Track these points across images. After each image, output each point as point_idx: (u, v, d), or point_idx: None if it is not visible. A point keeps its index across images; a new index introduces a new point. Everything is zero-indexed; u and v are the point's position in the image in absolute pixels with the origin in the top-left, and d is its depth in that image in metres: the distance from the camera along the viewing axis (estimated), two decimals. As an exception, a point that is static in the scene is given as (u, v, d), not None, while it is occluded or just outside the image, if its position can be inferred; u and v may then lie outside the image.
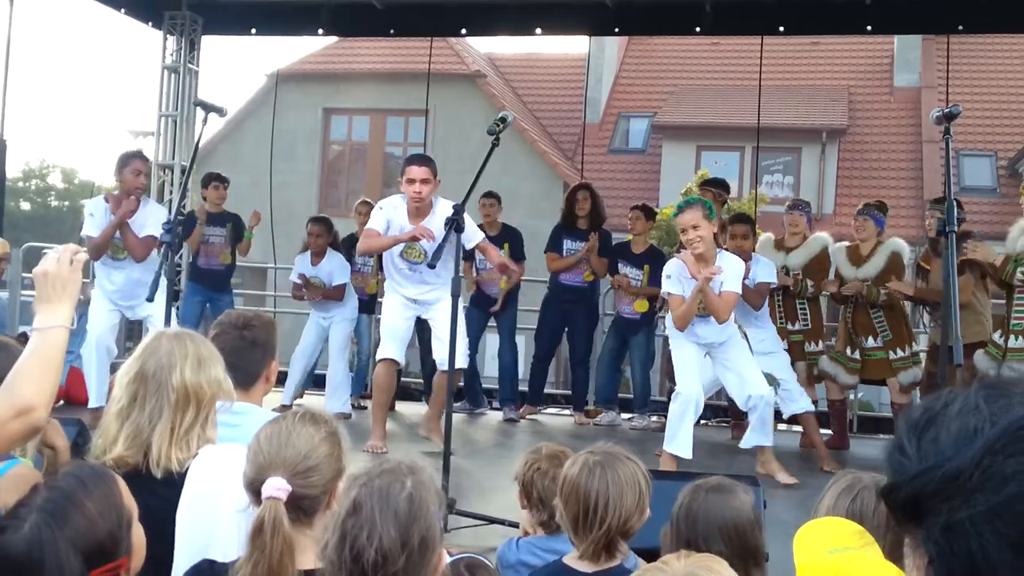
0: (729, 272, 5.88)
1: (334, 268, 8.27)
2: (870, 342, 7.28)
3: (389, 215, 6.41)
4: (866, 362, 7.32)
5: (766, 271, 7.06)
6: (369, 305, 8.81)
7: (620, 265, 8.36)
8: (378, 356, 6.57)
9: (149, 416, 2.57)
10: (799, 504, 5.46)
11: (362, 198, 9.39)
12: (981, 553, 0.83)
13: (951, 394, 0.91)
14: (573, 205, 8.54)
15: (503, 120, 5.03)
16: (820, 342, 7.67)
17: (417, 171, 6.21)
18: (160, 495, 2.47)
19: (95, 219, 6.97)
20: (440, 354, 6.48)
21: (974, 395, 0.90)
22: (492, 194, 8.61)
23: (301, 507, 2.14)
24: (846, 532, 1.96)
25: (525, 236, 8.74)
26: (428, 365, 8.88)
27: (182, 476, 2.52)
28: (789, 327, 7.64)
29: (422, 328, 8.86)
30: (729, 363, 6.19)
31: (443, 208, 6.20)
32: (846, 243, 7.63)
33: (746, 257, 6.80)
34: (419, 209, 6.28)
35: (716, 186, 8.35)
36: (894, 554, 2.07)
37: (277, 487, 2.08)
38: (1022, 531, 0.82)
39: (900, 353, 7.21)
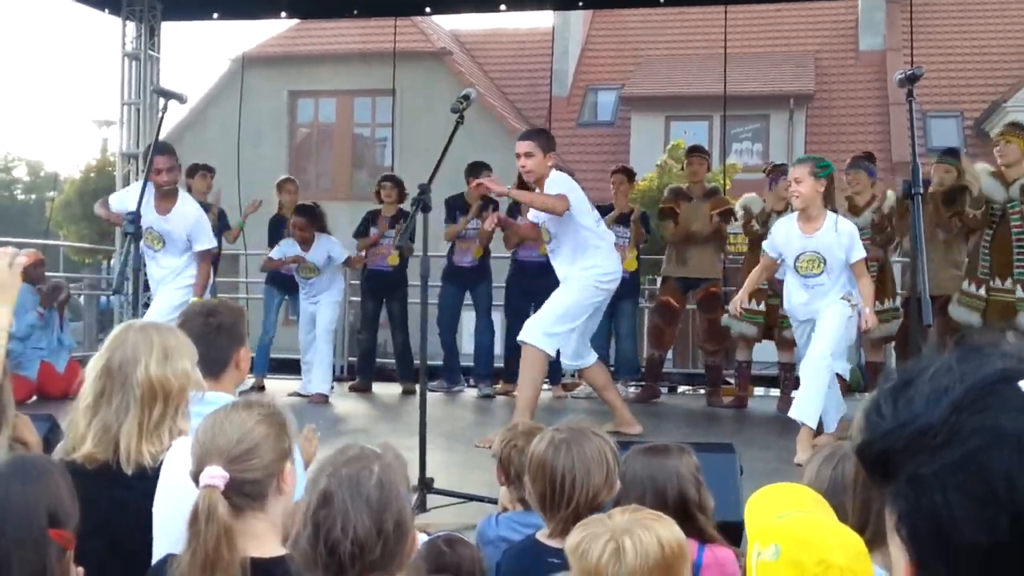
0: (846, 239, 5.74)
1: (331, 248, 8.30)
2: None
3: None
4: None
5: None
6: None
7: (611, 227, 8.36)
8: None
9: (116, 412, 2.55)
10: (777, 471, 5.50)
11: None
12: (944, 507, 0.84)
13: (929, 358, 0.93)
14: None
15: (466, 97, 5.00)
16: None
17: (519, 145, 6.03)
18: (133, 490, 2.45)
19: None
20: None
21: (949, 357, 0.92)
22: (481, 164, 8.50)
23: (245, 492, 2.12)
24: (797, 497, 1.97)
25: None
26: (399, 344, 8.87)
27: (155, 470, 2.50)
28: None
29: (391, 308, 8.87)
30: (818, 322, 5.86)
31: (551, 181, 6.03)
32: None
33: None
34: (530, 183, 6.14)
35: (700, 152, 8.51)
36: (863, 516, 2.09)
37: (211, 475, 2.07)
38: (984, 485, 0.83)
39: (880, 306, 7.19)
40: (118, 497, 2.47)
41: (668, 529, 2.02)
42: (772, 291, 7.29)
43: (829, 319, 5.75)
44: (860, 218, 7.23)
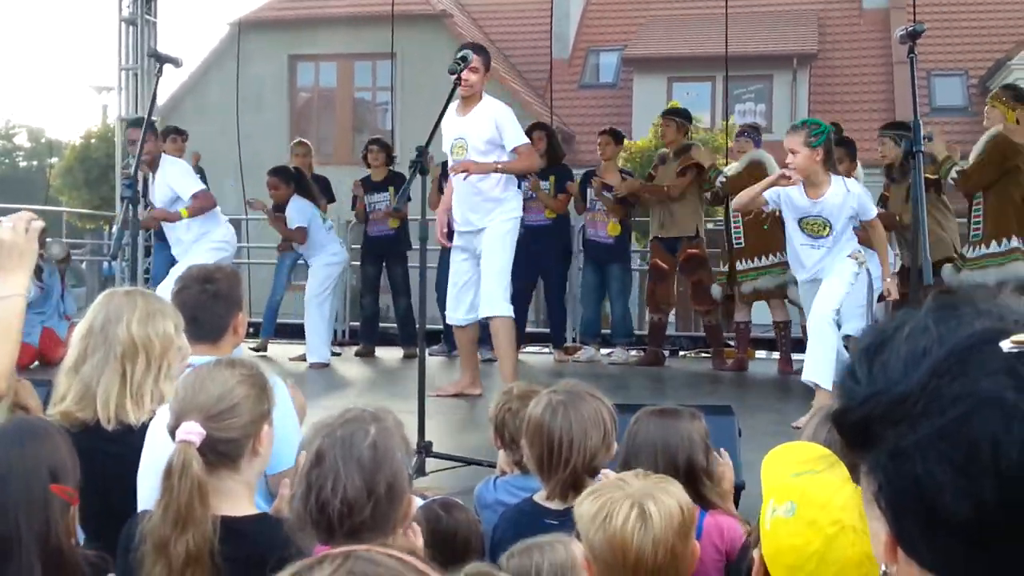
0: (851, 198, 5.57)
1: (294, 211, 8.15)
2: None
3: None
4: None
5: None
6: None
7: (590, 192, 8.32)
8: (449, 321, 6.47)
9: (96, 369, 2.55)
10: (779, 433, 5.50)
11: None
12: (927, 477, 0.82)
13: (903, 316, 0.90)
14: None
15: (463, 59, 4.96)
16: None
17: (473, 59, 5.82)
18: (115, 446, 2.46)
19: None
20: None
21: (924, 316, 0.88)
22: None
23: (220, 451, 2.13)
24: (812, 455, 1.96)
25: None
26: (400, 308, 8.85)
27: (139, 430, 2.50)
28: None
29: (392, 273, 8.84)
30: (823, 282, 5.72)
31: (491, 106, 6.00)
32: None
33: None
34: (467, 99, 5.95)
35: (679, 116, 8.34)
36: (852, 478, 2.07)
37: (188, 431, 2.08)
38: (966, 454, 0.80)
39: None
40: (98, 453, 2.46)
41: (681, 492, 2.04)
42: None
43: (834, 277, 5.61)
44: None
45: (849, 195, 5.55)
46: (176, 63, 5.52)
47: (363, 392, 6.64)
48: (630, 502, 1.95)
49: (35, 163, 37.81)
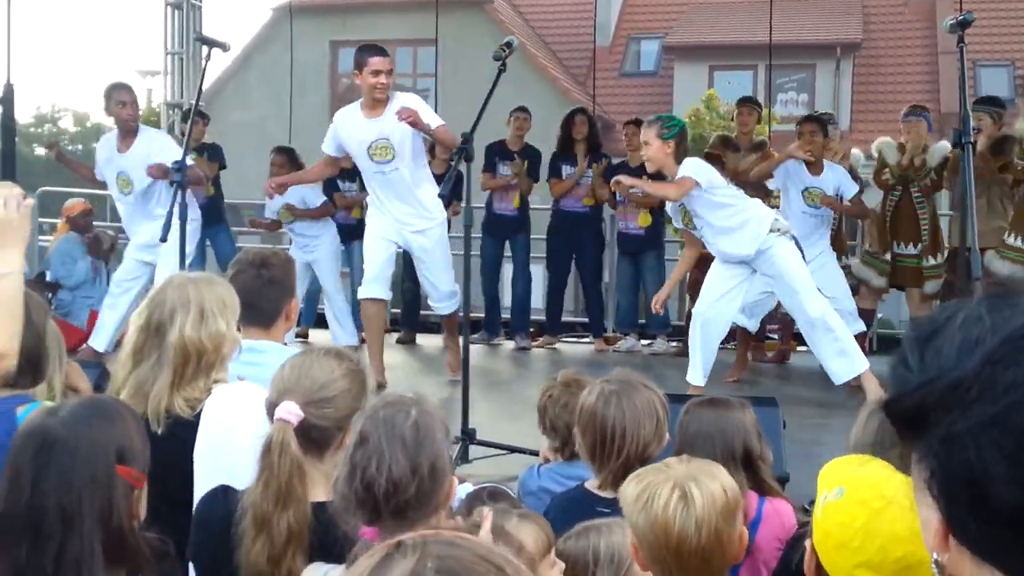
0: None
1: (305, 193, 8.03)
2: (908, 248, 7.14)
3: (340, 133, 6.24)
4: (897, 268, 7.19)
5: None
6: (358, 231, 8.70)
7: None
8: (360, 295, 6.40)
9: (151, 370, 2.60)
10: (820, 425, 5.49)
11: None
12: (978, 464, 0.83)
13: (956, 306, 0.91)
14: (570, 130, 8.46)
15: (508, 45, 4.96)
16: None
17: (380, 62, 6.05)
18: (162, 444, 2.50)
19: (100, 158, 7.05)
20: (432, 297, 6.58)
21: (977, 305, 0.89)
22: (524, 108, 8.56)
23: (312, 437, 2.17)
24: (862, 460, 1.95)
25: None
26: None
27: (191, 421, 2.54)
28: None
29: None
30: (773, 280, 5.76)
31: (402, 99, 6.13)
32: (891, 139, 7.34)
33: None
34: (377, 101, 6.08)
35: (751, 103, 8.41)
36: (903, 467, 2.06)
37: (288, 410, 2.13)
38: (1018, 441, 0.81)
39: (931, 261, 7.09)
40: (152, 441, 2.50)
41: (726, 476, 2.04)
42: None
43: (787, 272, 5.62)
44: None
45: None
46: (224, 47, 5.55)
47: (406, 379, 6.67)
48: (671, 484, 1.97)
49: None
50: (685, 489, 1.95)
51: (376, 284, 6.26)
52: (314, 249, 8.17)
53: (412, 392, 2.04)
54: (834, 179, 7.06)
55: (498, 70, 4.86)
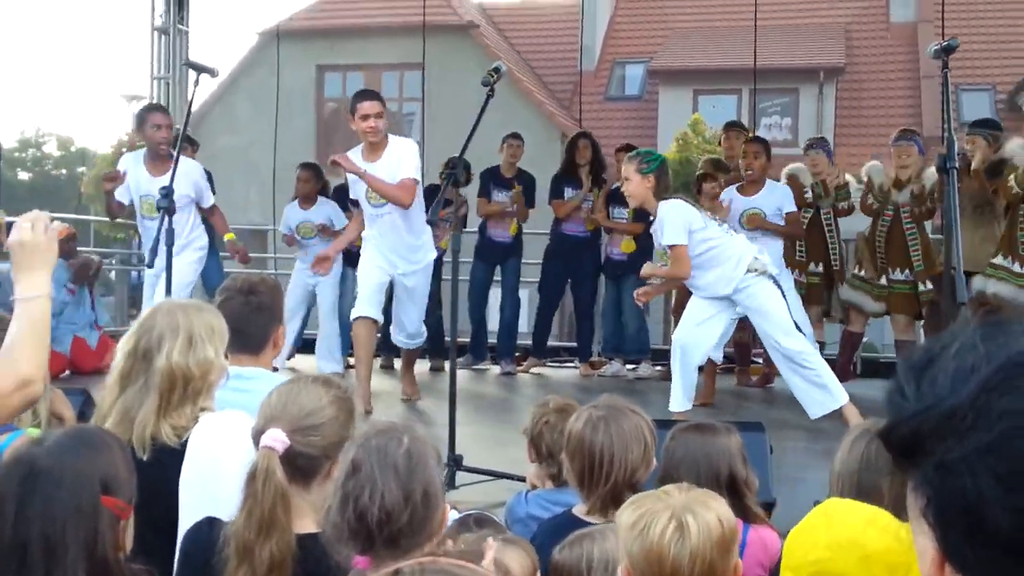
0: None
1: (329, 213, 8.18)
2: (900, 275, 7.17)
3: (348, 175, 6.38)
4: (890, 294, 7.22)
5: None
6: (355, 259, 8.69)
7: (611, 208, 8.35)
8: (353, 314, 6.46)
9: (137, 395, 2.57)
10: (807, 450, 5.49)
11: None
12: (974, 491, 0.83)
13: (951, 335, 0.91)
14: (574, 154, 8.52)
15: (496, 70, 4.97)
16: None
17: (369, 106, 6.14)
18: (152, 466, 2.48)
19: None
20: (402, 335, 6.74)
21: (972, 333, 0.90)
22: (518, 136, 8.62)
23: (298, 466, 2.15)
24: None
25: (524, 187, 8.71)
26: (431, 320, 8.84)
27: (179, 448, 2.52)
28: (812, 267, 7.59)
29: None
30: (751, 315, 5.75)
31: (398, 144, 6.22)
32: (879, 163, 7.38)
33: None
34: (374, 145, 6.19)
35: (738, 127, 8.55)
36: (898, 504, 2.06)
37: (274, 437, 2.11)
38: (1013, 468, 0.82)
39: (927, 286, 7.10)
40: (137, 469, 2.48)
41: (724, 508, 2.02)
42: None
43: (763, 311, 5.64)
44: (901, 194, 7.15)
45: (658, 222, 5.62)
46: (212, 72, 5.55)
47: (392, 405, 6.65)
48: (669, 514, 1.96)
49: (64, 171, 38.15)
50: (681, 519, 1.94)
51: (369, 305, 6.35)
52: (318, 275, 8.12)
53: (402, 421, 2.04)
54: (773, 199, 7.16)
55: (487, 95, 4.87)
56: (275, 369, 3.42)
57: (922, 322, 7.39)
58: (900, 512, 1.92)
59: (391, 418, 2.05)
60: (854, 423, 5.21)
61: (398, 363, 8.75)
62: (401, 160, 6.15)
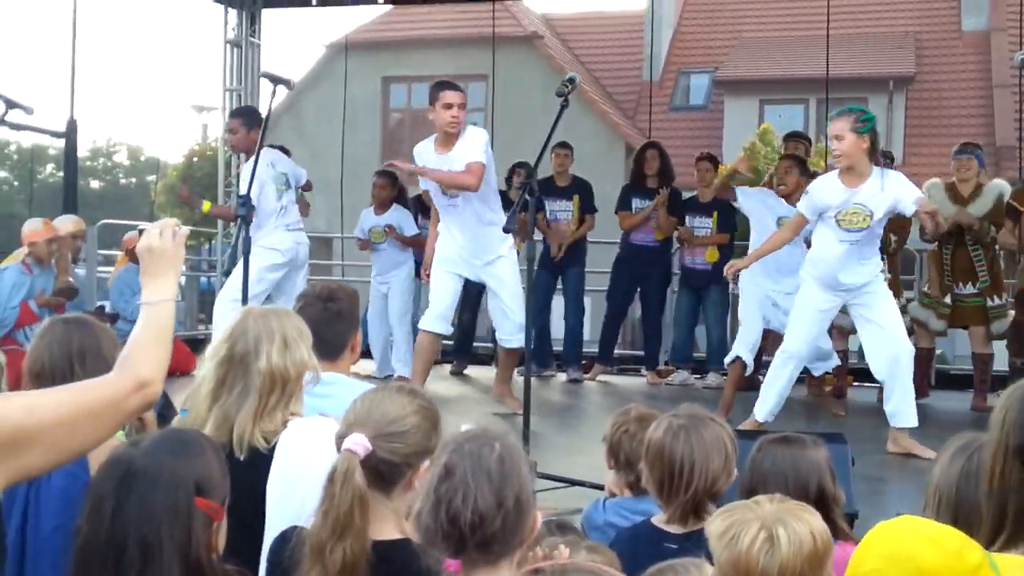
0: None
1: (401, 219, 8.34)
2: (968, 288, 7.13)
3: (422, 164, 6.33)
4: (959, 309, 7.17)
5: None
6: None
7: (688, 218, 8.32)
8: (420, 326, 6.50)
9: (237, 400, 2.62)
10: (888, 463, 5.42)
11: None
12: None
13: None
14: (642, 164, 8.52)
15: (571, 81, 4.99)
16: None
17: (453, 95, 6.18)
18: (244, 473, 2.51)
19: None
20: (504, 329, 6.48)
21: None
22: (565, 144, 8.57)
23: (379, 471, 2.17)
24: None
25: (589, 197, 8.70)
26: (463, 322, 8.86)
27: (268, 452, 2.56)
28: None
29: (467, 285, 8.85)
30: (871, 314, 5.59)
31: (472, 134, 6.22)
32: (939, 180, 7.31)
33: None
34: (449, 136, 6.19)
35: (798, 137, 8.46)
36: (1000, 516, 1.98)
37: (356, 442, 2.13)
38: None
39: (996, 301, 7.05)
40: (232, 471, 2.53)
41: (818, 521, 1.98)
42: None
43: (887, 306, 5.57)
44: (973, 207, 7.04)
45: (886, 191, 5.44)
46: (289, 85, 5.62)
47: (463, 411, 6.67)
48: (759, 524, 1.92)
49: (134, 180, 38.87)
50: (772, 530, 1.91)
51: (439, 321, 6.37)
52: (390, 279, 8.39)
53: (493, 427, 2.04)
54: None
55: (561, 105, 4.90)
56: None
57: (1005, 342, 7.29)
58: (997, 531, 1.87)
59: (486, 425, 2.05)
60: (895, 441, 5.39)
61: (471, 370, 8.84)
62: (469, 148, 6.14)
